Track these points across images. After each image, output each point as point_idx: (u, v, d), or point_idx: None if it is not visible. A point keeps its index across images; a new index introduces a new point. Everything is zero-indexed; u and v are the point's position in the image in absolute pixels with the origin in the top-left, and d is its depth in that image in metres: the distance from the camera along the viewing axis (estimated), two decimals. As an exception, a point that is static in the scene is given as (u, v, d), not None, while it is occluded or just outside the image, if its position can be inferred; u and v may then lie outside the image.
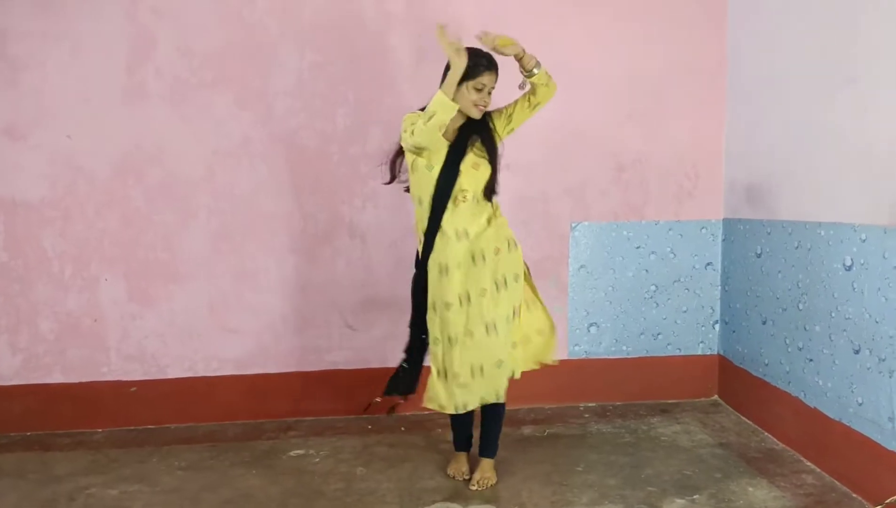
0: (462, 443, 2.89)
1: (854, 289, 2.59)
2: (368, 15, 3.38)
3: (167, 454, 3.13)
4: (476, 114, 2.59)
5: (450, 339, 2.62)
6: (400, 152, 2.70)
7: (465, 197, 2.59)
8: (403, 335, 3.48)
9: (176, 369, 3.45)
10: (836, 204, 2.70)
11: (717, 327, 3.69)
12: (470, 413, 2.76)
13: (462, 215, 2.60)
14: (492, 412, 2.79)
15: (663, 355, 3.66)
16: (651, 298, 3.63)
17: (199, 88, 3.34)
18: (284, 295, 3.47)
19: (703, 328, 3.69)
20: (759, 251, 3.27)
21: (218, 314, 3.44)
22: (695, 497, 2.63)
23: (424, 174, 2.60)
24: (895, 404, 2.39)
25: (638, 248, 3.60)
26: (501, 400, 2.69)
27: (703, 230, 3.64)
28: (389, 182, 2.76)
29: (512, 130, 2.72)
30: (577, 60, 3.44)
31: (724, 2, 3.52)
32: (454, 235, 2.60)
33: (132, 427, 3.44)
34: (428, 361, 2.73)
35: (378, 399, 2.84)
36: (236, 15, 3.33)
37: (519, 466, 2.93)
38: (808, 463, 2.89)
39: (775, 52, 3.13)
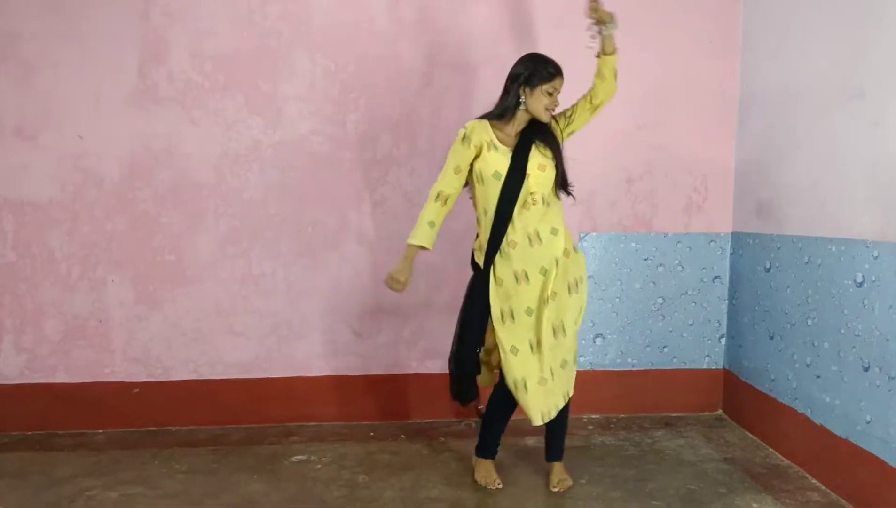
0: (493, 451, 2.89)
1: (864, 306, 2.58)
2: (381, 22, 3.39)
3: (169, 457, 3.12)
4: (546, 118, 2.66)
5: (533, 345, 2.63)
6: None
7: (534, 200, 2.64)
8: (409, 340, 3.52)
9: (180, 371, 3.44)
10: (847, 220, 2.69)
11: (724, 341, 3.67)
12: (505, 421, 2.83)
13: (532, 218, 2.64)
14: (559, 416, 2.78)
15: (669, 368, 3.64)
16: (658, 310, 3.62)
17: (211, 92, 3.34)
18: (290, 300, 3.46)
19: (710, 342, 3.67)
20: (767, 266, 3.26)
21: (224, 318, 3.44)
22: (700, 512, 2.62)
23: (493, 184, 2.63)
24: (904, 422, 2.37)
25: (646, 260, 3.59)
26: (565, 401, 2.74)
27: (712, 243, 3.62)
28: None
29: (572, 131, 2.79)
30: (590, 72, 3.43)
31: (737, 16, 3.52)
32: (527, 240, 2.63)
33: (134, 429, 3.44)
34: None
35: (480, 407, 2.88)
36: (248, 19, 3.33)
37: (523, 477, 2.91)
38: (814, 480, 2.87)
39: (785, 66, 3.12)
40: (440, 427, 3.48)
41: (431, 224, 2.67)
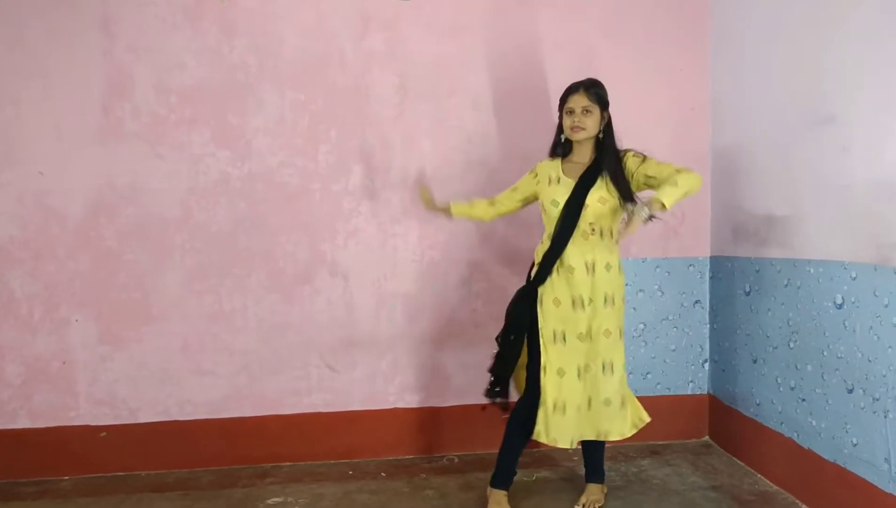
0: (507, 480, 2.81)
1: (846, 327, 2.54)
2: (349, 53, 3.35)
3: (137, 502, 2.99)
4: (573, 136, 2.69)
5: (580, 370, 2.68)
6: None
7: (593, 230, 2.66)
8: (386, 374, 3.44)
9: (147, 413, 3.32)
10: (824, 242, 2.66)
11: (707, 366, 3.62)
12: (521, 449, 2.80)
13: (591, 249, 2.67)
14: (593, 441, 2.83)
15: (653, 395, 3.57)
16: (640, 336, 3.56)
17: (177, 126, 3.27)
18: (262, 336, 3.36)
19: (693, 367, 3.61)
20: (747, 289, 3.22)
21: (192, 356, 3.33)
22: (688, 545, 2.53)
23: (552, 210, 2.70)
24: (891, 445, 2.32)
25: (626, 285, 3.52)
26: (601, 439, 2.75)
27: (691, 268, 3.59)
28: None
29: (642, 185, 2.69)
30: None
31: (706, 46, 3.53)
32: (584, 267, 2.65)
33: (101, 474, 3.30)
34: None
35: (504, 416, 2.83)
36: (215, 52, 3.28)
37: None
38: (803, 506, 2.80)
39: (756, 91, 3.12)
40: (421, 464, 3.38)
41: (470, 202, 2.99)
